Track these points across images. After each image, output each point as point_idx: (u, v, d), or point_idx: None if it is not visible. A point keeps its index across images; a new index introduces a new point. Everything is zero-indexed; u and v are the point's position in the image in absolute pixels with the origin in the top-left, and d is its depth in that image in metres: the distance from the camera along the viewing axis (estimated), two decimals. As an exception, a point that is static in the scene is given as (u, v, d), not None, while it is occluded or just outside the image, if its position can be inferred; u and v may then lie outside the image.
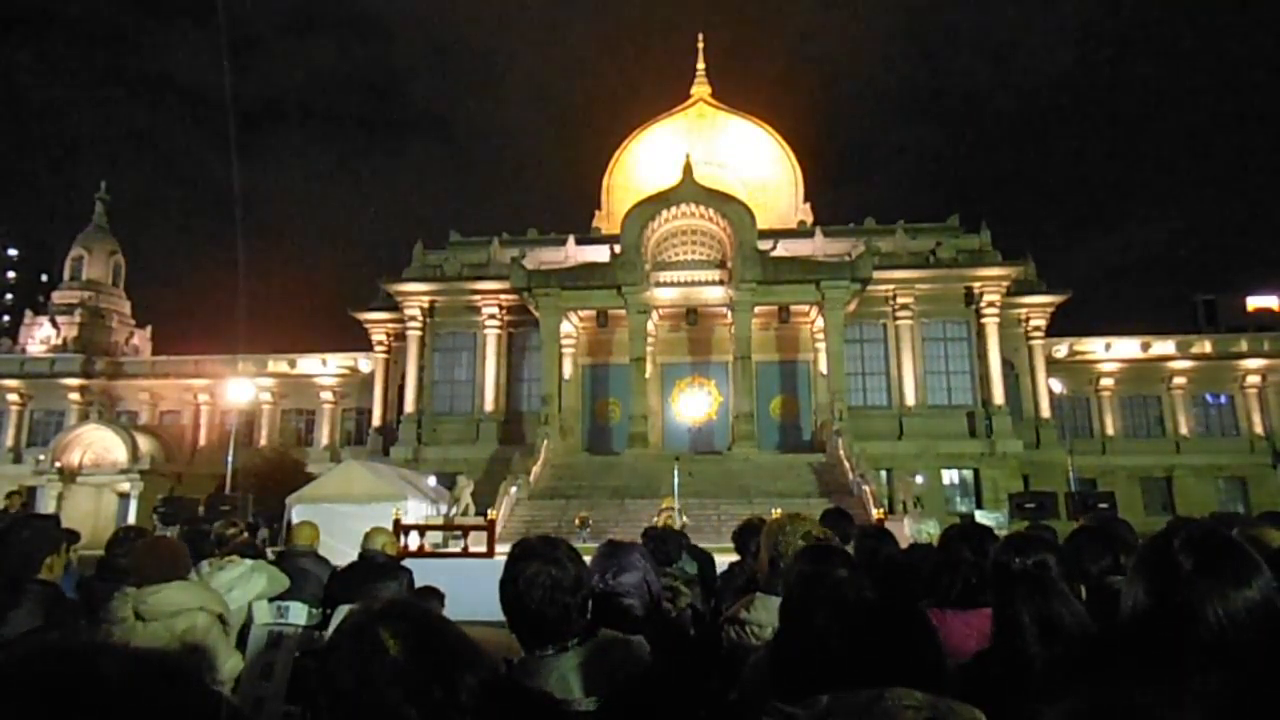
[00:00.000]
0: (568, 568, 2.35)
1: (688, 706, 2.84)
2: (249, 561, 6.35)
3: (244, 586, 6.28)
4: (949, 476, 38.48)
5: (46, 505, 38.34)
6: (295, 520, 13.89)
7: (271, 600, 6.70)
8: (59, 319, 49.48)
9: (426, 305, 42.05)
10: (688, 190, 38.37)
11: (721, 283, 38.40)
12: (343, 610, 6.65)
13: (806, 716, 1.35)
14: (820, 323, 38.03)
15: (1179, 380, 43.15)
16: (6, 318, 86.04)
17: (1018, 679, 2.18)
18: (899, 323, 40.22)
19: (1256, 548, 4.22)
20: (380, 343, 45.34)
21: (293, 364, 47.23)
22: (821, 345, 38.43)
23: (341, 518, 17.75)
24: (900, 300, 40.16)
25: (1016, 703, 1.87)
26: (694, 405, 40.85)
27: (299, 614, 6.98)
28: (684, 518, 19.49)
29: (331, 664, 1.29)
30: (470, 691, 1.25)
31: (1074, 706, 1.24)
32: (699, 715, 3.14)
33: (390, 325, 44.53)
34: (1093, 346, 44.12)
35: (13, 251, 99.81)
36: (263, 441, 44.86)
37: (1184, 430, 42.77)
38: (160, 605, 2.93)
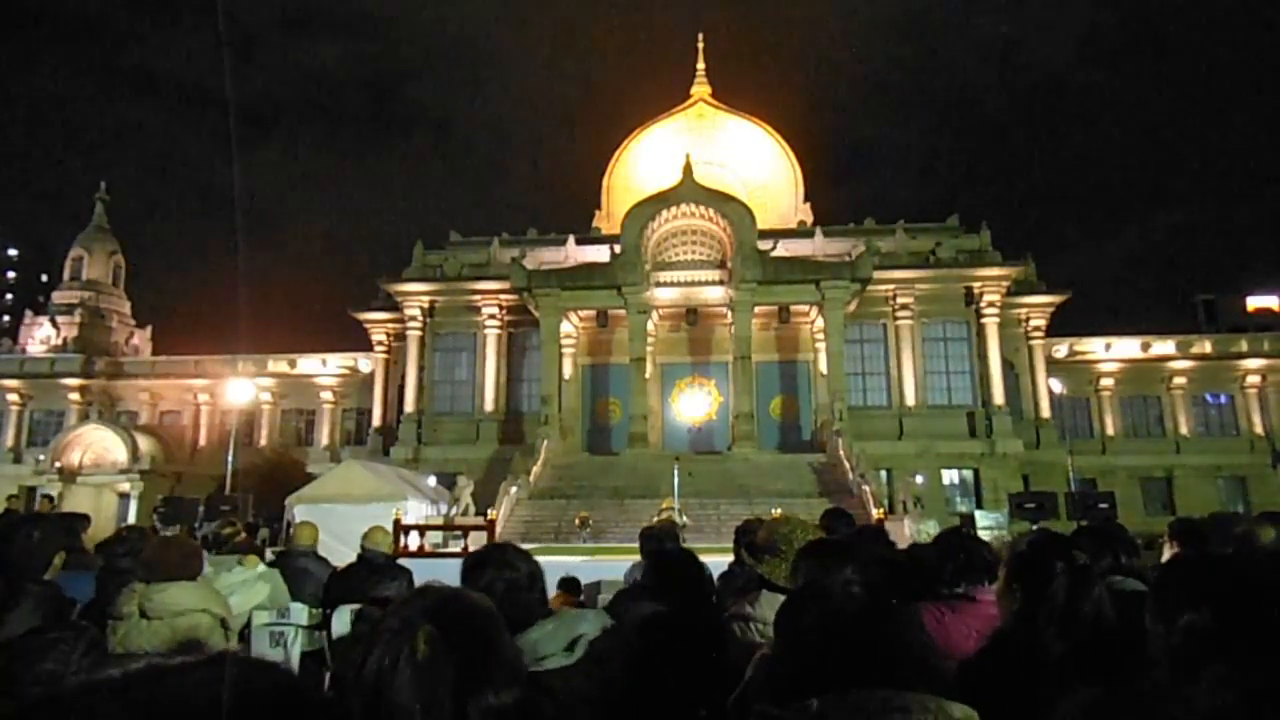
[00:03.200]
0: (519, 567, 2.60)
1: (685, 699, 2.84)
2: (262, 567, 6.30)
3: (245, 593, 6.26)
4: (949, 476, 38.48)
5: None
6: (296, 520, 13.89)
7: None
8: (59, 319, 49.48)
9: (426, 305, 42.05)
10: (688, 190, 38.37)
11: (721, 283, 38.40)
12: (343, 610, 6.66)
13: None
14: (820, 323, 38.02)
15: (1179, 380, 43.15)
16: (6, 318, 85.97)
17: (1031, 671, 2.17)
18: (899, 323, 40.23)
19: (1251, 544, 4.24)
20: (380, 343, 45.34)
21: (293, 364, 47.23)
22: (821, 345, 38.42)
23: (341, 518, 17.72)
24: (900, 300, 40.16)
25: (1028, 694, 1.87)
26: (694, 405, 40.85)
27: (299, 614, 6.99)
28: (684, 518, 19.49)
29: (365, 649, 1.28)
30: (486, 711, 1.24)
31: (1089, 697, 1.24)
32: (700, 714, 3.13)
33: (390, 325, 44.54)
34: (1093, 346, 44.13)
35: (13, 251, 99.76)
36: (263, 441, 44.86)
37: (1184, 430, 42.77)
38: (165, 604, 2.93)
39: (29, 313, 52.72)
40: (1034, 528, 14.12)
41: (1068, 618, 2.35)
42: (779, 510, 14.61)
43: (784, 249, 38.31)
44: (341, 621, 6.65)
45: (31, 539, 3.54)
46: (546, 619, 2.46)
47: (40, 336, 49.60)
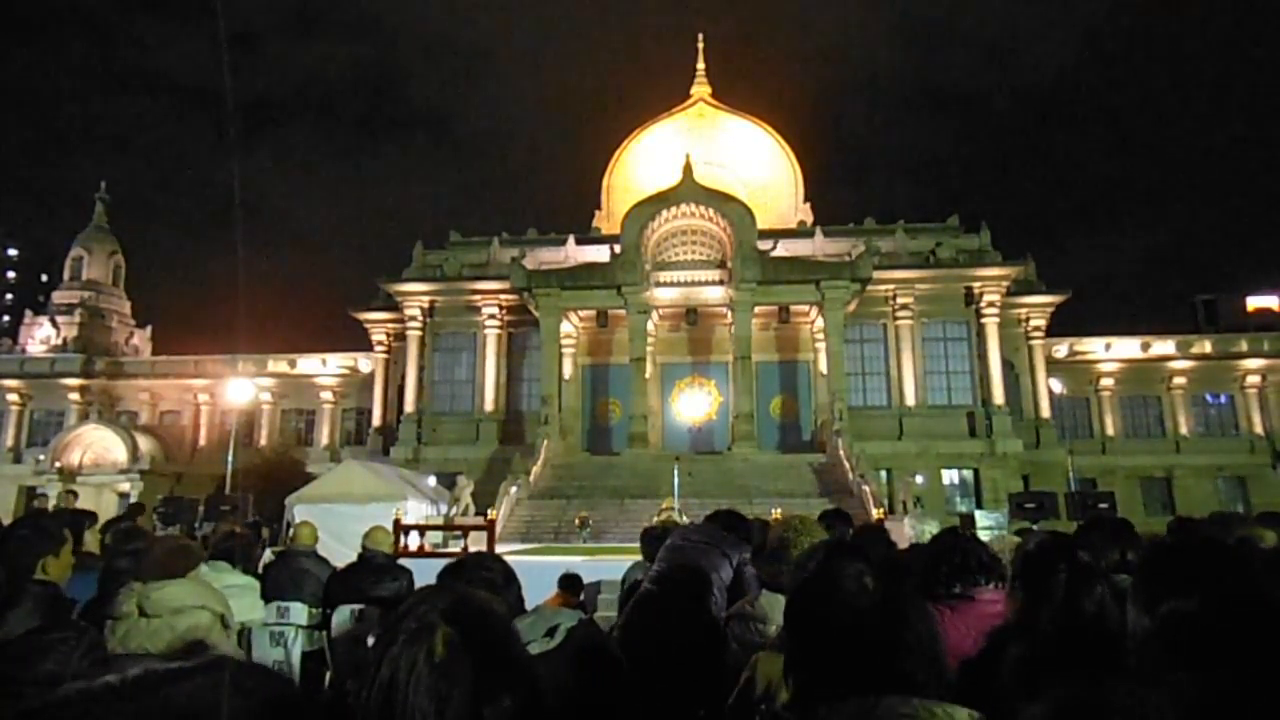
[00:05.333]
0: (494, 568, 2.81)
1: (686, 701, 2.84)
2: (247, 577, 6.25)
3: (238, 600, 6.22)
4: (949, 476, 38.47)
5: (46, 506, 38.27)
6: (296, 520, 13.88)
7: (269, 601, 6.70)
8: (59, 319, 49.48)
9: (426, 305, 42.05)
10: (688, 190, 38.37)
11: (721, 283, 38.40)
12: (343, 610, 6.66)
13: None
14: (820, 323, 38.03)
15: (1179, 380, 43.15)
16: (6, 318, 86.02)
17: (1031, 670, 2.17)
18: (899, 323, 40.22)
19: (1249, 548, 4.23)
20: (380, 343, 45.34)
21: (293, 364, 47.23)
22: (821, 345, 38.43)
23: (341, 518, 17.72)
24: (900, 300, 40.16)
25: (1028, 694, 1.86)
26: (694, 405, 40.85)
27: (299, 614, 6.98)
28: (684, 518, 19.47)
29: (381, 649, 1.28)
30: (501, 712, 1.24)
31: (1051, 704, 1.23)
32: (699, 714, 3.14)
33: (390, 325, 44.54)
34: (1093, 346, 44.13)
35: (13, 251, 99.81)
36: (263, 441, 44.85)
37: (1184, 430, 42.77)
38: (164, 601, 2.93)
39: (29, 313, 52.73)
40: (1033, 527, 14.10)
41: (1068, 616, 2.35)
42: (779, 510, 14.62)
43: (784, 249, 38.32)
44: (341, 621, 6.65)
45: (19, 537, 3.54)
46: (526, 613, 2.57)
47: (40, 336, 49.60)
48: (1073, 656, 2.12)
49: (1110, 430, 42.98)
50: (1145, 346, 43.93)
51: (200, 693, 0.84)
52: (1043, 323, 42.30)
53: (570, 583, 8.10)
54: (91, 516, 6.75)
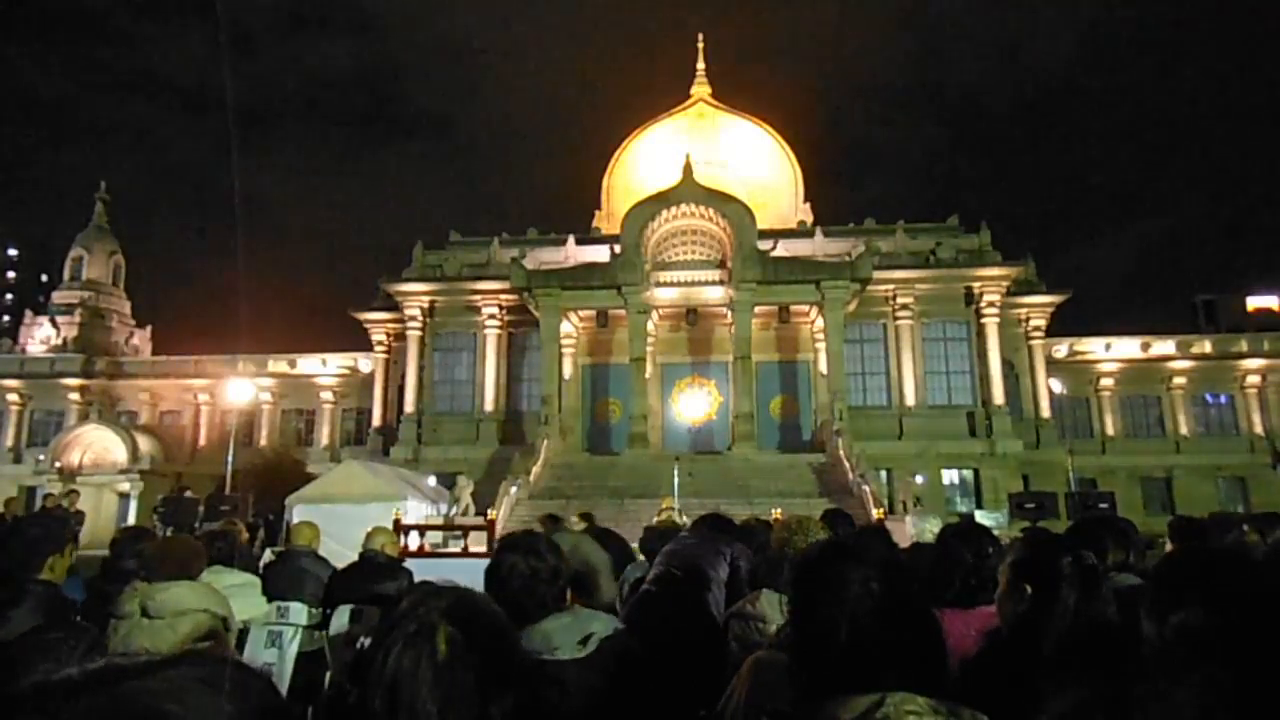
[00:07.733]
0: (546, 558, 2.57)
1: (687, 702, 2.84)
2: (248, 575, 6.26)
3: (240, 599, 6.23)
4: (949, 476, 38.47)
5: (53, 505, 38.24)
6: (295, 520, 13.87)
7: (270, 600, 6.69)
8: (59, 319, 49.48)
9: (426, 305, 42.05)
10: (688, 190, 38.37)
11: (721, 283, 38.40)
12: (343, 611, 6.66)
13: None
14: (820, 323, 38.03)
15: (1179, 380, 43.16)
16: (6, 318, 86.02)
17: (1032, 671, 2.17)
18: (899, 323, 40.23)
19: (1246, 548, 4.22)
20: (380, 343, 45.34)
21: (293, 364, 47.24)
22: (821, 345, 38.43)
23: (341, 518, 17.66)
24: (900, 300, 40.17)
25: (1029, 695, 1.87)
26: (694, 405, 40.85)
27: (299, 614, 6.98)
28: (684, 518, 19.46)
29: (383, 649, 1.27)
30: (505, 712, 1.24)
31: (1079, 697, 1.24)
32: (699, 714, 3.14)
33: (390, 325, 44.54)
34: (1093, 346, 44.13)
35: (13, 251, 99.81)
36: (263, 441, 44.85)
37: (1184, 430, 42.78)
38: (167, 603, 2.94)
39: (29, 313, 52.72)
40: (1024, 527, 14.07)
41: (1079, 617, 2.35)
42: (779, 511, 14.62)
43: (784, 249, 38.33)
44: (341, 622, 6.65)
45: (28, 535, 3.55)
46: (562, 612, 2.48)
47: (40, 336, 49.60)
48: (1087, 657, 2.13)
49: (1110, 430, 42.98)
50: (1145, 346, 43.94)
51: (166, 687, 0.82)
52: (1043, 323, 42.31)
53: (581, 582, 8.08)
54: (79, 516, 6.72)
